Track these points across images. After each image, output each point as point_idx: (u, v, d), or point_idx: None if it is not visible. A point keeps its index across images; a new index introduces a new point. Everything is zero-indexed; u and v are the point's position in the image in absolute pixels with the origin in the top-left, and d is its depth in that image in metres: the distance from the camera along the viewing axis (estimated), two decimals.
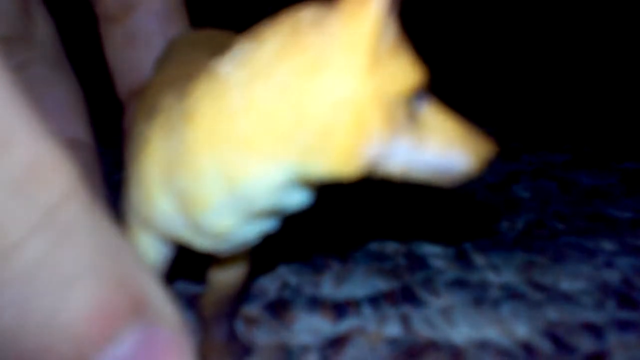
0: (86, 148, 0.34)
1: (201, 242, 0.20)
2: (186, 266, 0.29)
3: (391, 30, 0.17)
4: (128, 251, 0.19)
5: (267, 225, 0.20)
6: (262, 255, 0.36)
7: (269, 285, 0.32)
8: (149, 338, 0.18)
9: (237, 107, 0.17)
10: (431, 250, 0.37)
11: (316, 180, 0.18)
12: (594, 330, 0.28)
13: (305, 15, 0.17)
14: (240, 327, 0.28)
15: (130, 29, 0.33)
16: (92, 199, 0.18)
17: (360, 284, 0.33)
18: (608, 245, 0.37)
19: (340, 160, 0.16)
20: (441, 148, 0.18)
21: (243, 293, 0.26)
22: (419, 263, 0.35)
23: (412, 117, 0.17)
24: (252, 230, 0.20)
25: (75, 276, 0.17)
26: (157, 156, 0.20)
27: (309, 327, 0.28)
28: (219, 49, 0.25)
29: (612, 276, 0.33)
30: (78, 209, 0.17)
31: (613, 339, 0.28)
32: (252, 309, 0.30)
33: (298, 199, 0.19)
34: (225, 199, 0.18)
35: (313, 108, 0.16)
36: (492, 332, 0.28)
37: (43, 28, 0.34)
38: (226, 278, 0.25)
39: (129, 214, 0.22)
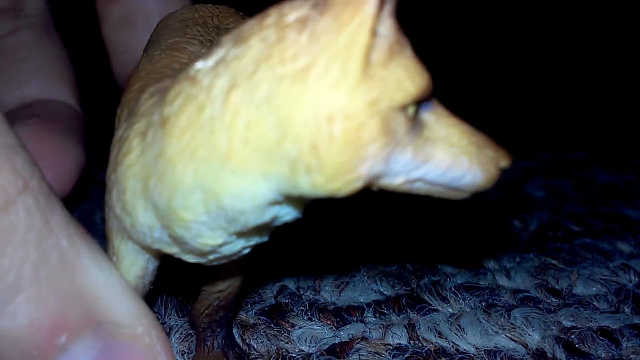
0: (70, 110, 0.35)
1: (187, 257, 0.20)
2: (176, 273, 0.29)
3: (388, 36, 0.16)
4: (88, 261, 0.19)
5: (258, 239, 0.20)
6: (259, 259, 0.36)
7: (266, 290, 0.33)
8: (109, 352, 0.19)
9: (217, 118, 0.17)
10: (439, 253, 0.37)
11: (307, 197, 0.17)
12: (610, 336, 0.28)
13: (291, 16, 0.16)
14: (236, 335, 0.29)
15: (128, 7, 0.34)
16: (44, 204, 0.18)
17: (363, 289, 0.33)
18: (624, 247, 0.37)
19: (331, 177, 0.16)
20: (448, 161, 0.17)
21: (239, 301, 0.27)
22: (425, 267, 0.35)
23: (415, 128, 0.17)
24: (241, 244, 0.20)
25: (18, 284, 0.18)
26: (137, 166, 0.19)
27: (309, 335, 0.29)
28: (212, 31, 0.25)
29: (629, 280, 0.34)
30: (21, 217, 0.18)
31: (629, 346, 0.28)
32: (248, 316, 0.30)
33: (289, 214, 0.19)
34: (208, 216, 0.18)
35: (300, 121, 0.16)
36: (503, 340, 0.28)
37: (34, 1, 0.35)
38: (220, 287, 0.26)
39: (110, 222, 0.22)
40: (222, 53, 0.17)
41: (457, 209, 0.43)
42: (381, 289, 0.33)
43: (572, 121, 0.67)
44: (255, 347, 0.28)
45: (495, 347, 0.28)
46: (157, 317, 0.30)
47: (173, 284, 0.32)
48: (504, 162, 0.18)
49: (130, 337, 0.19)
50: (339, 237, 0.39)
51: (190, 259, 0.20)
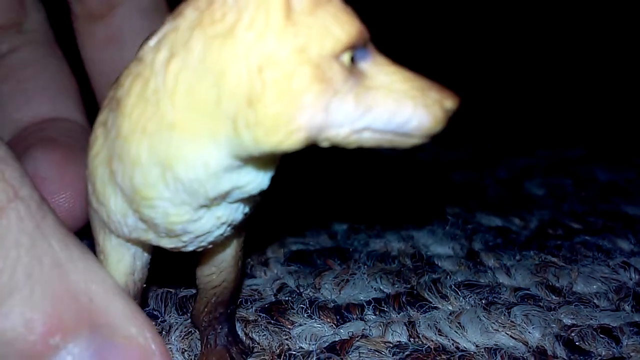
0: (77, 128, 0.34)
1: (164, 242, 0.21)
2: (176, 270, 0.29)
3: None
4: (81, 263, 0.20)
5: (228, 215, 0.20)
6: (257, 253, 0.36)
7: (266, 288, 0.33)
8: (103, 353, 0.19)
9: (160, 89, 0.17)
10: (439, 251, 0.37)
11: (258, 155, 0.17)
12: (610, 334, 0.28)
13: None
14: (239, 329, 0.29)
15: (113, 26, 0.33)
16: (36, 211, 0.19)
17: (363, 287, 0.33)
18: (625, 245, 0.37)
19: (270, 129, 0.16)
20: (391, 107, 0.17)
21: (235, 296, 0.27)
22: (426, 264, 0.35)
23: (354, 77, 0.17)
24: (210, 221, 0.20)
25: (12, 285, 0.18)
26: (101, 153, 0.20)
27: (309, 332, 0.29)
28: None
29: (629, 277, 0.34)
30: (12, 222, 0.18)
31: (630, 344, 0.28)
32: (248, 313, 0.30)
33: (251, 180, 0.19)
34: (168, 189, 0.18)
35: (233, 76, 0.16)
36: (503, 338, 0.28)
37: (34, 16, 0.34)
38: (215, 282, 0.26)
39: (92, 220, 0.22)
40: (163, 30, 0.18)
41: (458, 206, 0.43)
42: (381, 287, 0.33)
43: (572, 119, 0.67)
44: (258, 340, 0.28)
45: (495, 344, 0.28)
46: (157, 315, 0.30)
47: (172, 282, 0.32)
48: (449, 103, 0.18)
49: (125, 338, 0.20)
50: (338, 233, 0.39)
51: (166, 243, 0.21)
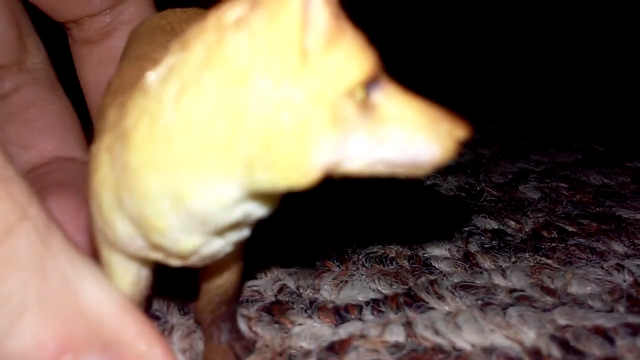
0: (82, 166, 0.35)
1: (171, 261, 0.20)
2: (179, 272, 0.29)
3: (324, 24, 0.16)
4: (90, 280, 0.20)
5: (237, 236, 0.20)
6: (258, 256, 0.36)
7: (267, 289, 0.33)
8: None
9: (171, 125, 0.17)
10: (436, 253, 0.37)
11: (271, 192, 0.17)
12: (604, 335, 0.28)
13: (229, 15, 0.16)
14: (242, 324, 0.29)
15: (109, 49, 0.33)
16: (44, 230, 0.19)
17: (361, 288, 0.33)
18: (618, 247, 0.37)
19: (287, 171, 0.16)
20: (403, 139, 0.17)
21: (237, 294, 0.27)
22: (423, 266, 0.35)
23: (367, 110, 0.17)
24: (220, 245, 0.20)
25: (23, 306, 0.18)
26: (107, 180, 0.19)
27: (309, 332, 0.29)
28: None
29: (623, 279, 0.34)
30: (21, 243, 0.18)
31: (623, 344, 0.28)
32: (250, 313, 0.30)
33: (259, 210, 0.19)
34: (179, 221, 0.18)
35: (249, 119, 0.16)
36: (499, 338, 0.28)
37: (35, 55, 0.35)
38: (218, 282, 0.26)
39: (96, 235, 0.22)
40: (170, 61, 0.18)
41: (455, 209, 0.43)
42: (379, 288, 0.33)
43: (567, 124, 0.68)
44: (261, 333, 0.28)
45: (491, 344, 0.28)
46: (160, 316, 0.30)
47: (173, 284, 0.32)
48: (461, 134, 0.18)
49: (135, 356, 0.20)
50: (337, 236, 0.39)
51: (174, 262, 0.21)
